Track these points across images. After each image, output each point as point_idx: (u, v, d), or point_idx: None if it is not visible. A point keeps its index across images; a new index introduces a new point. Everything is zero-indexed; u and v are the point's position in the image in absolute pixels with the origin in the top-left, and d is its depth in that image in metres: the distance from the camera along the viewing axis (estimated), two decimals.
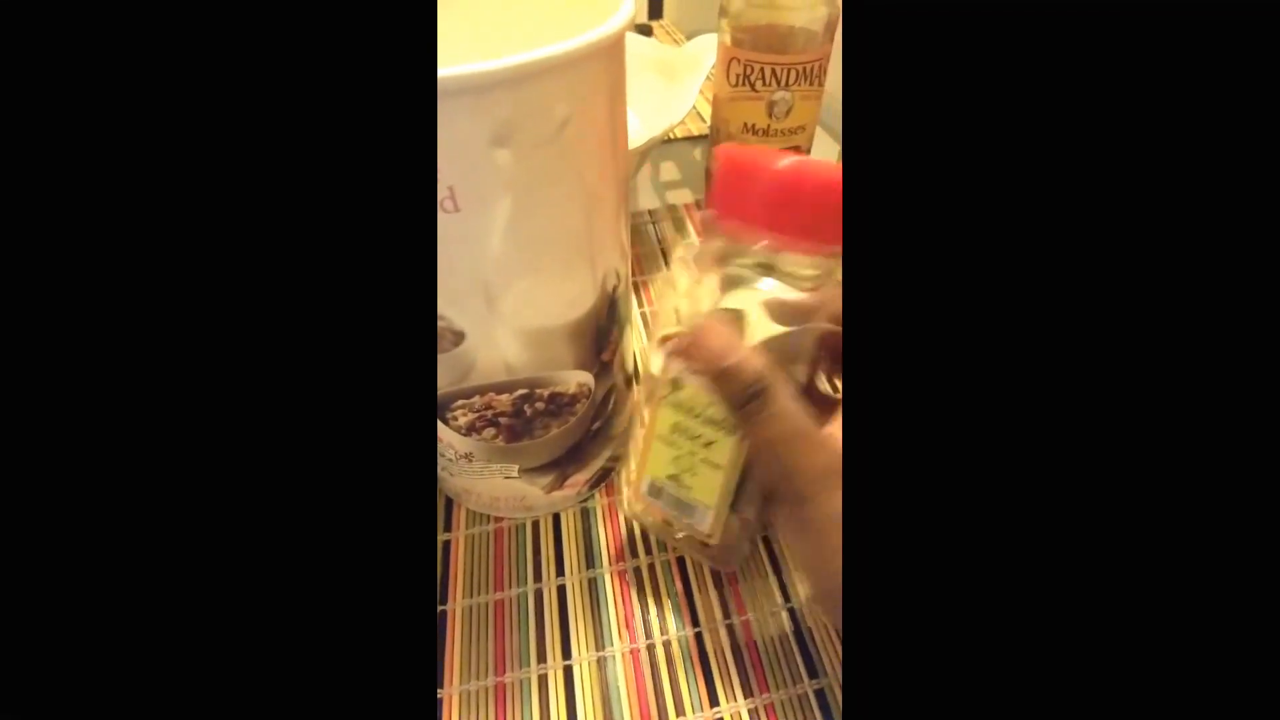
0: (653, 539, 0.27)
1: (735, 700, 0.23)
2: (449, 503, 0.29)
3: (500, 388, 0.21)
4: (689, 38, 0.74)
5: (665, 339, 0.21)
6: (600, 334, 0.23)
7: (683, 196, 0.49)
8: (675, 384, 0.21)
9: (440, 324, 0.19)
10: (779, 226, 0.19)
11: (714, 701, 0.23)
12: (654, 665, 0.24)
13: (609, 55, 0.17)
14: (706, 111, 0.60)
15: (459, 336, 0.20)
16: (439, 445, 0.24)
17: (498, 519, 0.28)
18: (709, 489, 0.21)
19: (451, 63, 0.14)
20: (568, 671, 0.23)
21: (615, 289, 0.23)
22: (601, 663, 0.24)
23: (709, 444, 0.21)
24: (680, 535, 0.23)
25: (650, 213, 0.46)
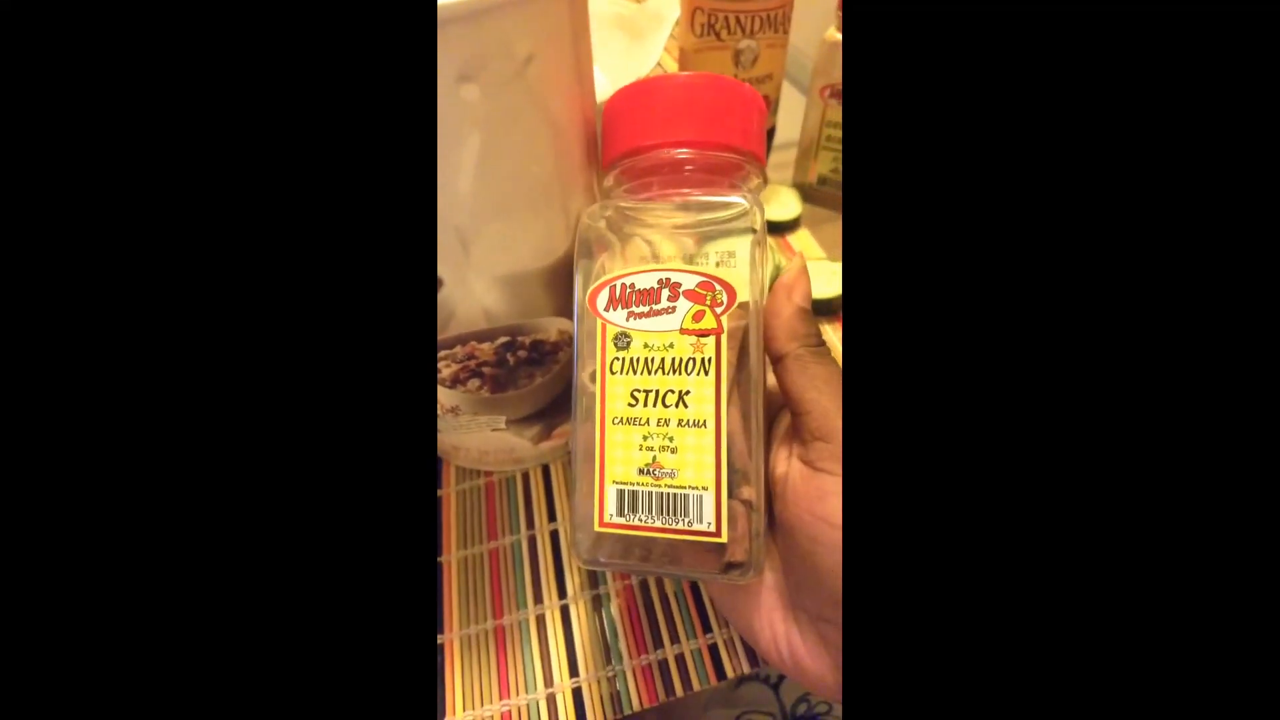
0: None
1: (727, 625, 0.24)
2: (437, 461, 0.29)
3: (481, 336, 0.22)
4: None
5: (598, 289, 0.17)
6: None
7: None
8: (620, 340, 0.16)
9: None
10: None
11: (706, 628, 0.24)
12: (647, 598, 0.24)
13: None
14: (671, 69, 0.60)
15: (437, 283, 0.20)
16: None
17: (487, 474, 0.28)
18: (700, 461, 0.15)
19: None
20: (564, 610, 0.24)
21: None
22: (597, 600, 0.24)
23: (684, 396, 0.15)
24: (679, 555, 0.16)
25: None
